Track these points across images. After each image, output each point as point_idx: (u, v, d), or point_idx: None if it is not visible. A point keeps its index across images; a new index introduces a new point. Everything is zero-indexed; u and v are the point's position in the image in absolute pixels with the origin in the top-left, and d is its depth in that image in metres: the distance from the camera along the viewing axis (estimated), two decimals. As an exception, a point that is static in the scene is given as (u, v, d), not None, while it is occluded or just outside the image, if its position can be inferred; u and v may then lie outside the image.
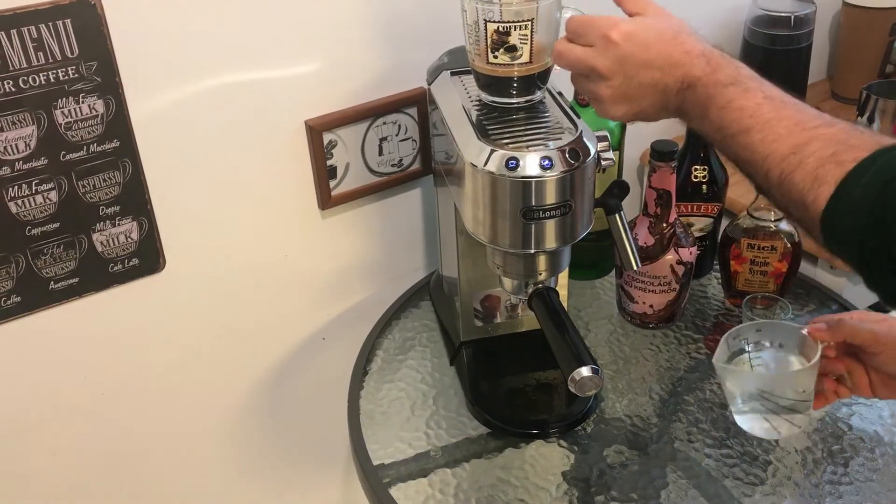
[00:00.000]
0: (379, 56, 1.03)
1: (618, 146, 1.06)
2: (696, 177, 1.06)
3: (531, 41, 0.77)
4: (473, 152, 0.79)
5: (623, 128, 1.06)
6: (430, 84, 0.94)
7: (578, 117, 0.83)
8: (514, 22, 0.76)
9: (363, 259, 1.16)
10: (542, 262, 0.85)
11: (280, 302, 1.12)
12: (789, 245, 1.02)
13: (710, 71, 0.70)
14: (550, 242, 0.81)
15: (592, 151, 0.79)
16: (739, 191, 1.19)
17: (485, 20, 0.77)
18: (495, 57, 0.78)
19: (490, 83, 0.82)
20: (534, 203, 0.78)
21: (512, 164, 0.76)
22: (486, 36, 0.78)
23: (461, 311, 0.99)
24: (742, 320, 1.01)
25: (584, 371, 0.76)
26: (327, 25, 0.98)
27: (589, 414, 0.94)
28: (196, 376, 1.10)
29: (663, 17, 0.75)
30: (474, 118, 0.83)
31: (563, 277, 0.99)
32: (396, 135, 1.08)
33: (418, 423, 0.95)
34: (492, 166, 0.77)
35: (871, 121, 1.19)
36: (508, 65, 0.79)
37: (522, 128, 0.81)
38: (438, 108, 0.90)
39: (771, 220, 1.01)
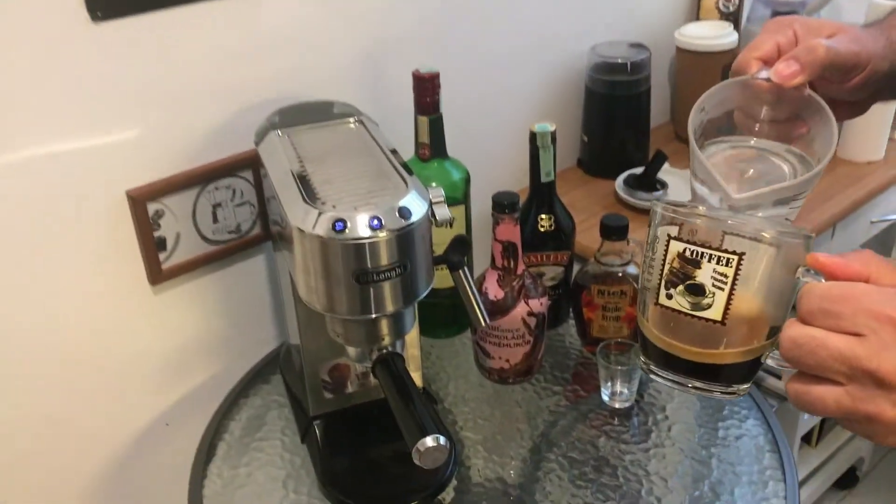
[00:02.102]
0: (205, 117, 0.97)
1: (462, 199, 1.03)
2: (542, 226, 1.04)
3: (731, 290, 0.54)
4: (299, 216, 0.74)
5: (467, 181, 1.03)
6: (257, 145, 0.89)
7: (410, 173, 0.80)
8: (710, 249, 0.54)
9: (205, 334, 1.08)
10: (383, 326, 0.80)
11: (114, 388, 1.02)
12: (638, 288, 1.01)
13: None
14: (389, 305, 0.77)
15: (425, 208, 0.76)
16: (589, 237, 1.19)
17: (668, 235, 0.56)
18: (668, 297, 0.57)
19: (652, 352, 0.61)
20: (367, 266, 0.73)
21: (339, 226, 0.72)
22: (665, 259, 0.56)
23: (308, 383, 0.92)
24: (598, 370, 1.00)
25: (429, 441, 0.71)
26: (142, 86, 0.91)
27: (447, 482, 0.90)
28: (23, 479, 0.98)
29: None
30: (301, 180, 0.78)
31: (415, 339, 0.95)
32: (231, 200, 1.02)
33: (267, 511, 0.88)
34: (319, 230, 0.72)
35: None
36: (686, 315, 0.56)
37: (352, 188, 0.77)
38: (266, 170, 0.85)
39: (618, 265, 1.00)
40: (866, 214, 1.43)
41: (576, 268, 1.09)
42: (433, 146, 1.00)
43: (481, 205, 1.01)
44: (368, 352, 0.82)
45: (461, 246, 0.88)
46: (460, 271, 0.87)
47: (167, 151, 0.96)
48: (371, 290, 0.75)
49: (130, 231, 0.95)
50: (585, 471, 0.91)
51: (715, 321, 0.55)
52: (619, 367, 0.98)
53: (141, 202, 0.94)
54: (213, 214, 1.01)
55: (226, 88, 0.98)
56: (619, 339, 1.00)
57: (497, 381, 1.03)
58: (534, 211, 1.05)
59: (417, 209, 0.75)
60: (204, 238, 1.02)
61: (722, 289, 0.54)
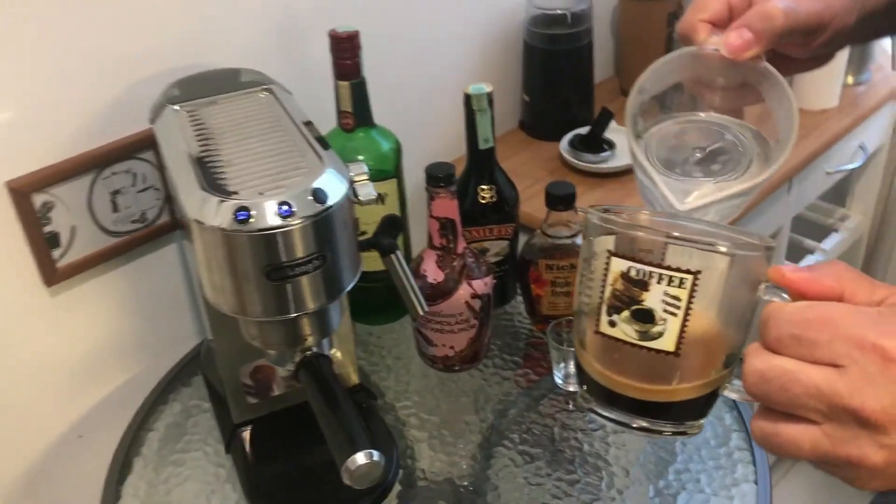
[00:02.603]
0: (95, 94, 0.86)
1: (394, 173, 0.93)
2: (483, 197, 0.95)
3: (685, 315, 0.45)
4: (196, 205, 0.64)
5: (398, 152, 0.94)
6: (152, 123, 0.78)
7: (327, 148, 0.70)
8: (659, 268, 0.45)
9: (116, 336, 0.97)
10: (305, 325, 0.71)
11: (21, 399, 0.91)
12: (590, 261, 0.93)
13: None
14: (310, 302, 0.67)
15: (344, 188, 0.66)
16: (535, 206, 1.10)
17: (608, 250, 0.47)
18: (611, 324, 0.47)
19: (592, 387, 0.51)
20: (279, 259, 0.63)
21: (242, 215, 0.62)
22: (606, 280, 0.47)
23: (228, 389, 0.83)
24: (550, 350, 0.92)
25: (360, 458, 0.62)
26: (18, 62, 0.79)
27: (389, 487, 0.81)
28: None
29: None
30: (199, 162, 0.68)
31: (348, 333, 0.85)
32: (132, 185, 0.91)
33: (189, 533, 0.79)
34: (219, 221, 0.62)
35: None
36: (633, 345, 0.47)
37: (258, 169, 0.66)
38: (162, 151, 0.74)
39: (566, 237, 0.92)
40: (822, 165, 1.37)
41: (522, 240, 1.00)
42: (357, 114, 0.90)
43: (417, 177, 0.91)
44: (290, 354, 0.73)
45: (392, 226, 0.78)
46: (392, 255, 0.78)
47: (53, 135, 0.84)
48: (286, 286, 0.65)
49: (16, 227, 0.84)
50: (540, 465, 0.83)
51: (667, 352, 0.46)
52: (572, 348, 0.90)
53: (24, 194, 0.82)
54: (112, 203, 0.90)
55: (117, 60, 0.86)
56: (571, 317, 0.92)
57: (442, 369, 0.95)
58: (473, 181, 0.95)
59: (335, 190, 0.65)
60: (104, 230, 0.90)
61: (675, 314, 0.45)
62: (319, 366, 0.71)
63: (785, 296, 0.44)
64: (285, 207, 0.62)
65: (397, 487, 0.82)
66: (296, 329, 0.71)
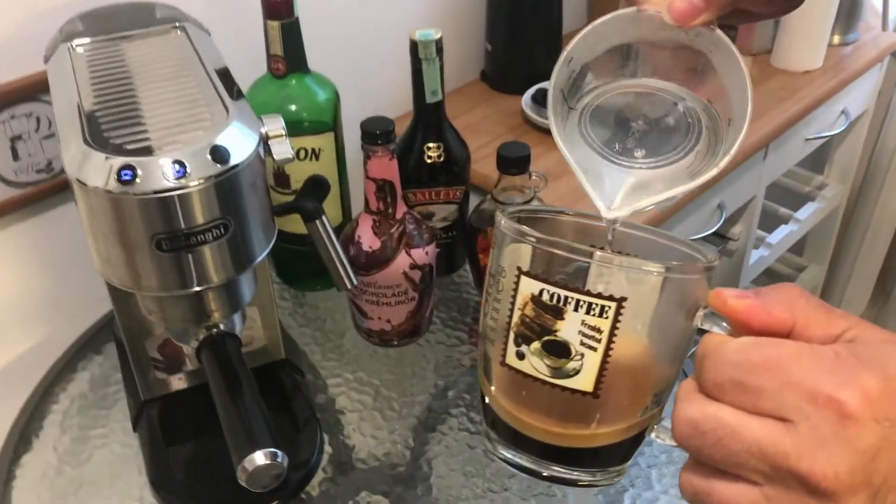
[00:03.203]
0: (-12, 26, 0.76)
1: (331, 125, 0.84)
2: (430, 157, 0.87)
3: (606, 350, 0.37)
4: (76, 162, 0.55)
5: (336, 102, 0.84)
6: (46, 62, 0.69)
7: (238, 98, 0.61)
8: (577, 293, 0.37)
9: (19, 296, 0.88)
10: (210, 300, 0.63)
11: None
12: (544, 230, 0.85)
13: None
14: (213, 276, 0.59)
15: (253, 144, 0.57)
16: (491, 166, 1.02)
17: (519, 269, 0.38)
18: (520, 356, 0.39)
19: (498, 427, 0.43)
20: (173, 227, 0.55)
21: (127, 175, 0.53)
22: (514, 302, 0.39)
23: (134, 363, 0.75)
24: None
25: (258, 458, 0.54)
26: None
27: (311, 474, 0.74)
28: None
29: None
30: (86, 112, 0.58)
31: (269, 303, 0.77)
32: (36, 130, 0.81)
33: (86, 522, 0.71)
34: (101, 180, 0.53)
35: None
36: (544, 383, 0.39)
37: (155, 122, 0.57)
38: (52, 96, 0.65)
39: (518, 203, 0.83)
40: (801, 131, 1.29)
41: (473, 203, 0.92)
42: (289, 58, 0.80)
43: (358, 131, 0.82)
44: (194, 332, 0.64)
45: (317, 188, 0.70)
46: (317, 221, 0.69)
47: (-63, 70, 0.74)
48: (187, 257, 0.57)
49: None
50: (478, 453, 0.76)
51: (584, 392, 0.38)
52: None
53: None
54: (12, 150, 0.80)
55: (14, -14, 0.76)
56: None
57: (378, 343, 0.87)
58: (419, 138, 0.87)
59: (241, 147, 0.56)
60: (4, 181, 0.81)
61: (594, 348, 0.37)
62: (223, 346, 0.63)
63: (725, 324, 0.36)
64: (178, 167, 0.53)
65: (321, 474, 0.75)
66: (199, 304, 0.62)
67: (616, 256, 0.37)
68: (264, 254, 0.62)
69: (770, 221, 1.56)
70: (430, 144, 0.86)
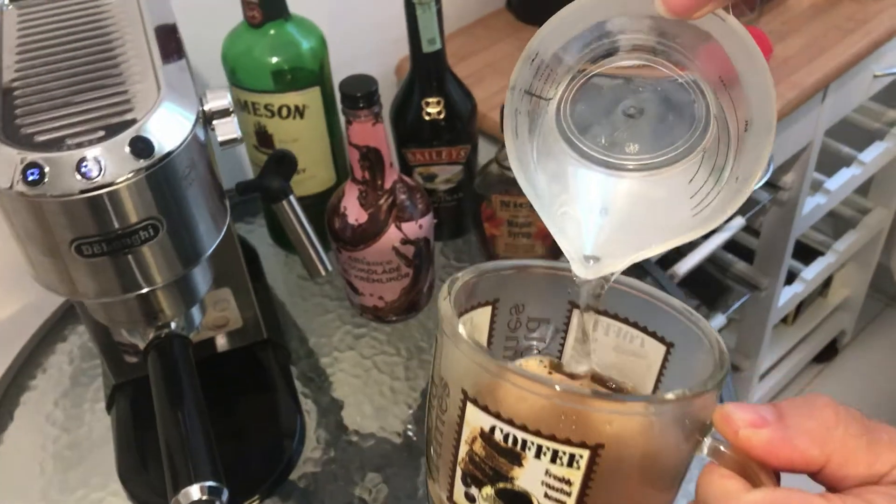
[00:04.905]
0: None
1: (318, 79, 0.75)
2: (428, 113, 0.77)
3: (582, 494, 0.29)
4: (-17, 155, 0.48)
5: (322, 51, 0.75)
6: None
7: (180, 58, 0.52)
8: (539, 437, 0.28)
9: (4, 254, 0.83)
10: (158, 300, 0.56)
11: None
12: (556, 198, 0.75)
13: None
14: (155, 278, 0.52)
15: (185, 131, 0.49)
16: (498, 119, 0.92)
17: (464, 392, 0.29)
18: (470, 499, 0.31)
19: None
20: (89, 231, 0.48)
21: (33, 174, 0.46)
22: (460, 432, 0.30)
23: (100, 349, 0.69)
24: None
25: (194, 493, 0.48)
26: None
27: (293, 463, 0.68)
28: None
29: None
30: (5, 86, 0.51)
31: (244, 280, 0.70)
32: None
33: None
34: (6, 180, 0.46)
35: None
36: None
37: (75, 104, 0.49)
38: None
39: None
40: (870, 66, 1.14)
41: (484, 157, 0.82)
42: (266, 4, 0.71)
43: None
44: (143, 332, 0.58)
45: (283, 165, 0.62)
46: (284, 202, 0.62)
47: None
48: (120, 260, 0.50)
49: None
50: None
51: None
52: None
53: None
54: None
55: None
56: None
57: (374, 319, 0.80)
58: (417, 92, 0.77)
59: (172, 133, 0.49)
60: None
61: (563, 503, 0.28)
62: (172, 352, 0.56)
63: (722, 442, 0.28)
64: (91, 165, 0.46)
65: (301, 468, 0.69)
66: (146, 305, 0.56)
67: (584, 391, 0.28)
68: (214, 244, 0.55)
69: (830, 162, 1.40)
70: (430, 100, 0.77)
